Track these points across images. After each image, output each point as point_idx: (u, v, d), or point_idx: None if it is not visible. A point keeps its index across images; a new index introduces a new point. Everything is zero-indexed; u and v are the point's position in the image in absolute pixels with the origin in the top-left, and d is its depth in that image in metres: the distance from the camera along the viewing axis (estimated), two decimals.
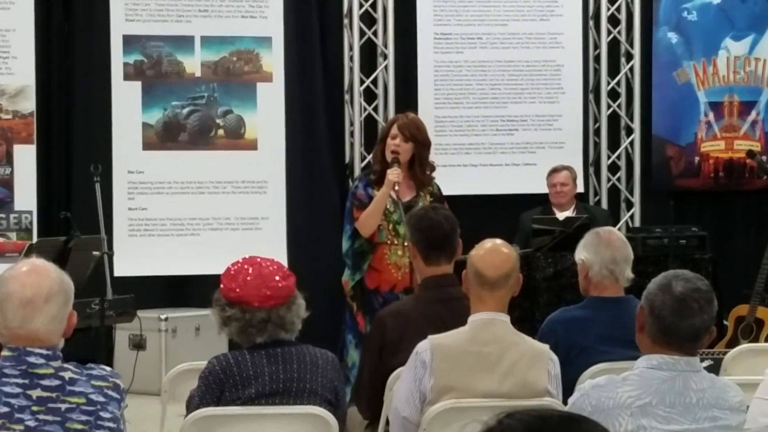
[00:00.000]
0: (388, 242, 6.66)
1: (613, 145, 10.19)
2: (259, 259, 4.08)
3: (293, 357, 4.01)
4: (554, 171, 9.10)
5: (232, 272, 4.04)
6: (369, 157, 8.85)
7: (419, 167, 6.75)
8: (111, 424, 3.38)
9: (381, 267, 6.64)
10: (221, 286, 4.03)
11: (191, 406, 4.01)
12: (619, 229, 9.05)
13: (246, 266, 4.04)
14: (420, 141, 6.77)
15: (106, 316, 7.10)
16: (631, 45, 10.14)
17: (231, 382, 3.94)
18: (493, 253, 4.28)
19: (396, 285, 6.55)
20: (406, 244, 6.03)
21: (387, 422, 4.49)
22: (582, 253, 4.93)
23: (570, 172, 9.08)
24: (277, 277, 4.01)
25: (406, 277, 6.33)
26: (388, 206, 6.64)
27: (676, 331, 3.40)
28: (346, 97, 9.94)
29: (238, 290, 3.98)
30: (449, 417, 4.05)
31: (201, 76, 9.52)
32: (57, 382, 3.33)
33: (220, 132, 9.55)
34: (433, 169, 6.88)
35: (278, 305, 3.98)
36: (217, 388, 3.95)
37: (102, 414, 3.36)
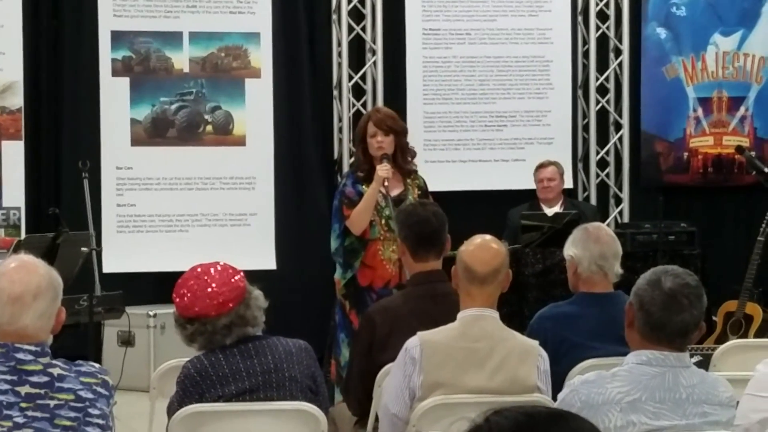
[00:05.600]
0: (381, 238, 6.62)
1: (602, 140, 10.19)
2: (200, 269, 4.03)
3: (266, 349, 4.01)
4: (541, 166, 9.07)
5: (182, 290, 4.00)
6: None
7: (401, 156, 6.74)
8: (100, 421, 3.37)
9: (374, 263, 6.61)
10: (175, 303, 4.00)
11: (171, 412, 3.99)
12: (607, 224, 9.04)
13: (193, 280, 4.00)
14: (398, 131, 6.76)
15: (94, 313, 7.08)
16: (620, 40, 10.14)
17: (209, 383, 3.93)
18: (483, 249, 4.27)
19: (390, 280, 6.53)
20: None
21: (376, 419, 4.49)
22: (571, 249, 4.93)
23: (557, 167, 9.06)
24: (225, 281, 3.98)
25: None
26: (378, 201, 6.61)
27: (665, 327, 3.40)
28: (335, 92, 9.92)
29: (194, 307, 3.95)
30: (438, 413, 4.04)
31: (189, 72, 9.50)
32: (46, 379, 3.32)
33: (209, 128, 9.53)
34: (414, 154, 6.87)
35: (235, 307, 3.97)
36: (195, 391, 3.94)
37: (91, 410, 3.35)
